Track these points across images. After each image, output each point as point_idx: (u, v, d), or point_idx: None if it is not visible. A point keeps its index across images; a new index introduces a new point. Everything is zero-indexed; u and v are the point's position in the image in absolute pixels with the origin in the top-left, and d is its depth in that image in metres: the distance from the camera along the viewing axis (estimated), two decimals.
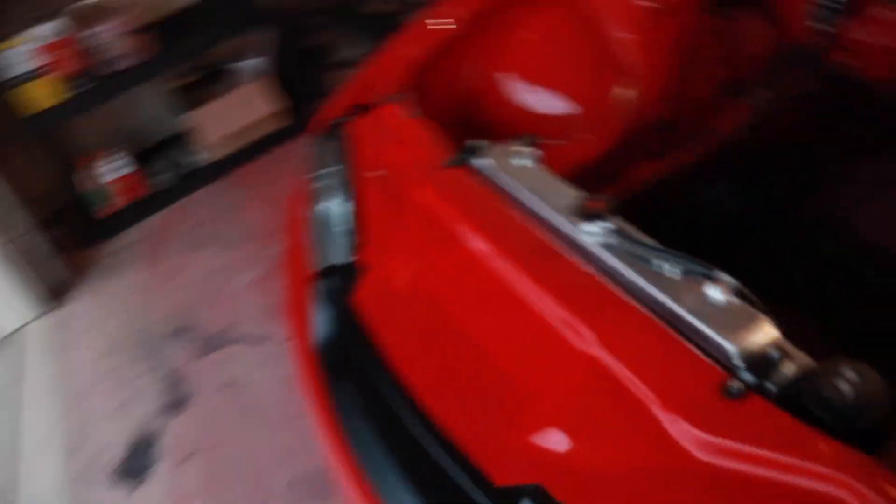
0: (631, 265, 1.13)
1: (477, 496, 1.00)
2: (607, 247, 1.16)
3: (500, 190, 1.38)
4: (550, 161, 1.45)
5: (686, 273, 1.09)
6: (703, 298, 1.05)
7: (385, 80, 1.88)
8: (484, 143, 1.50)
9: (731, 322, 1.00)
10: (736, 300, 1.04)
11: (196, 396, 2.41)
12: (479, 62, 1.99)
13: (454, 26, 1.95)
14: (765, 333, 0.97)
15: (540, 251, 1.22)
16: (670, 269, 1.10)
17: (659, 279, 1.09)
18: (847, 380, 0.84)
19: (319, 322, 1.41)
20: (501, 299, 1.20)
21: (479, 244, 1.27)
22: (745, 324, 0.99)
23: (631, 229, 1.18)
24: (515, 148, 1.46)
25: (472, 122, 2.00)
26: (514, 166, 1.40)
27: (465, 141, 1.53)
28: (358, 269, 1.43)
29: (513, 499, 0.97)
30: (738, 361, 0.95)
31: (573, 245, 1.21)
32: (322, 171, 1.72)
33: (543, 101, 2.00)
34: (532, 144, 1.48)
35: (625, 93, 1.90)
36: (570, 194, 1.29)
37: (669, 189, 1.99)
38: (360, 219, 1.53)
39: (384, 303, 1.35)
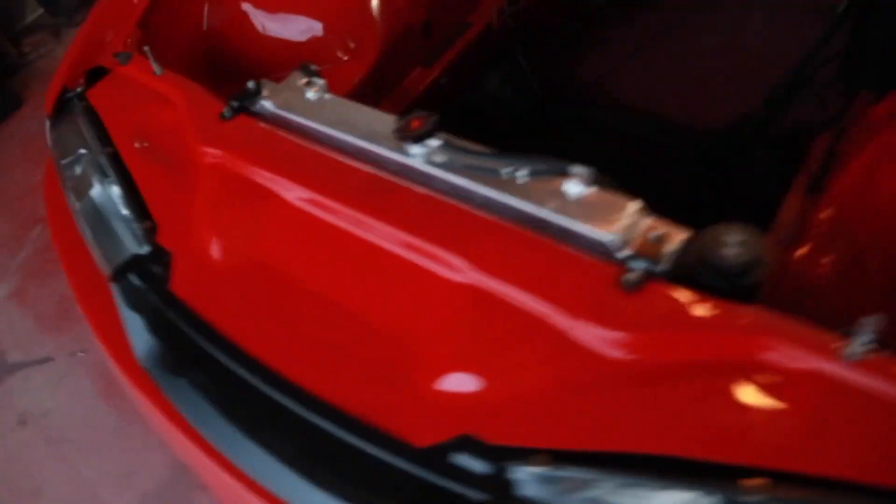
0: (476, 179, 1.07)
1: (402, 464, 0.93)
2: (444, 166, 1.10)
3: (300, 130, 1.26)
4: None
5: (535, 174, 1.05)
6: (564, 195, 1.01)
7: (113, 36, 1.62)
8: (260, 83, 1.36)
9: (600, 213, 0.97)
10: (594, 189, 1.01)
11: None
12: None
13: None
14: (637, 215, 0.96)
15: (371, 187, 1.14)
16: (518, 173, 1.06)
17: (511, 186, 1.05)
18: (731, 243, 0.86)
19: (135, 327, 1.23)
20: (347, 249, 1.11)
21: (299, 195, 1.16)
22: (614, 211, 0.96)
23: (462, 142, 1.13)
24: (300, 82, 1.33)
25: (221, 68, 1.81)
26: (308, 101, 1.29)
27: (236, 86, 1.37)
28: (159, 257, 1.25)
29: (442, 456, 0.92)
30: (623, 251, 0.94)
31: (406, 172, 1.13)
32: (73, 156, 1.47)
33: (296, 26, 1.86)
34: (312, 74, 1.36)
35: None
36: (382, 119, 1.21)
37: (445, 93, 1.97)
38: (138, 200, 1.33)
39: (209, 287, 1.20)
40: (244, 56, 1.84)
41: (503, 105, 2.07)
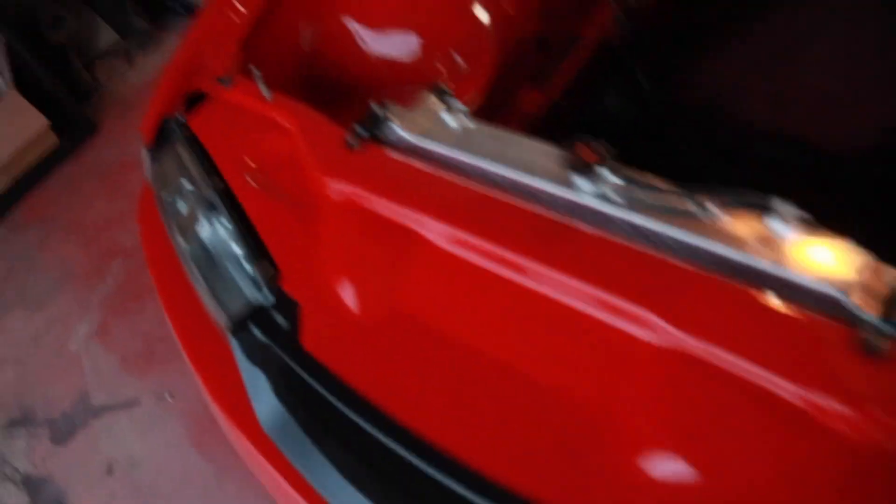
0: (662, 218, 0.90)
1: None
2: (622, 203, 0.93)
3: (442, 161, 1.10)
4: None
5: (730, 210, 0.89)
6: (771, 238, 0.85)
7: (213, 58, 1.50)
8: (386, 106, 1.20)
9: (818, 258, 0.81)
10: (804, 229, 0.84)
11: (72, 495, 1.94)
12: (317, 13, 1.65)
13: None
14: (863, 261, 0.80)
15: (537, 228, 0.97)
16: (713, 211, 0.89)
17: (706, 227, 0.88)
18: None
19: (259, 387, 1.08)
20: (512, 301, 0.95)
21: (450, 236, 1.00)
22: (835, 256, 0.81)
23: (641, 174, 0.96)
24: (434, 105, 1.18)
25: (323, 90, 1.67)
26: (449, 128, 1.13)
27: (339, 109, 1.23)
28: (285, 307, 1.10)
29: None
30: (857, 307, 0.76)
31: (576, 211, 0.96)
32: (177, 190, 1.34)
33: (403, 44, 1.71)
34: (446, 95, 1.21)
35: (492, 11, 1.66)
36: (542, 149, 1.04)
37: (563, 112, 1.80)
38: (256, 242, 1.18)
39: (346, 343, 1.04)
40: (346, 76, 1.70)
41: (623, 124, 1.90)
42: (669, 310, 0.83)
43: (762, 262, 0.83)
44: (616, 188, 0.95)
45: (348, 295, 1.08)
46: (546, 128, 1.79)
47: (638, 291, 0.87)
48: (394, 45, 1.71)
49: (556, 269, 0.91)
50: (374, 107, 1.19)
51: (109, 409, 2.08)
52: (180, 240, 1.28)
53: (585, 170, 0.95)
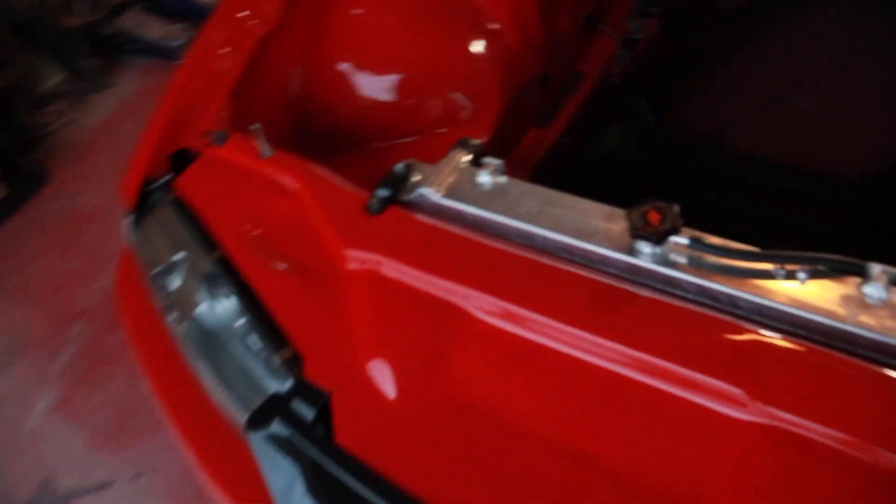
0: (738, 284, 0.82)
1: None
2: (692, 267, 0.85)
3: (477, 225, 0.99)
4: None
5: (817, 275, 0.81)
6: (864, 302, 0.79)
7: (200, 112, 1.35)
8: (411, 164, 1.08)
9: None
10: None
11: None
12: (309, 57, 1.52)
13: (258, 24, 1.45)
14: None
15: (597, 297, 0.87)
16: (794, 275, 0.81)
17: (789, 292, 0.81)
18: None
19: (289, 490, 0.93)
20: (580, 382, 0.84)
21: (497, 310, 0.89)
22: None
23: (713, 238, 0.87)
24: (463, 161, 1.06)
25: (317, 138, 1.54)
26: (483, 188, 1.01)
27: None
28: (312, 397, 0.95)
29: None
30: None
31: (638, 276, 0.88)
32: (167, 263, 1.18)
33: (404, 88, 1.58)
34: (477, 151, 1.10)
35: (494, 48, 1.56)
36: (593, 209, 0.94)
37: (566, 151, 1.71)
38: (268, 321, 1.04)
39: (387, 436, 0.90)
40: (341, 122, 1.57)
41: (628, 160, 1.82)
42: (755, 383, 0.76)
43: (853, 327, 0.77)
44: (685, 252, 0.86)
45: (383, 379, 0.95)
46: (549, 168, 1.70)
47: (713, 363, 0.78)
48: (391, 88, 1.59)
49: (619, 341, 0.82)
50: (398, 167, 1.07)
51: (79, 495, 1.87)
52: (175, 320, 1.13)
53: (657, 234, 0.85)
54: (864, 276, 0.80)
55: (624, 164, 1.80)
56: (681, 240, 0.86)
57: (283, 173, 1.16)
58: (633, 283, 0.87)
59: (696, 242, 0.85)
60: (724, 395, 0.76)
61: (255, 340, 1.03)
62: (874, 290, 0.78)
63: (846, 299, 0.80)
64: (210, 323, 1.09)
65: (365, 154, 1.60)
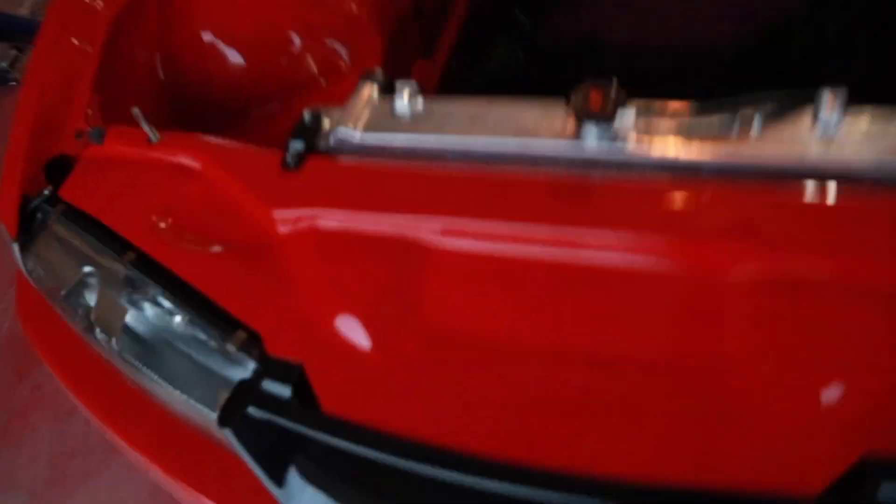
0: (703, 146, 0.81)
1: None
2: (654, 140, 0.83)
3: (414, 154, 0.94)
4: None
5: (770, 117, 0.81)
6: (825, 131, 0.78)
7: (64, 115, 1.21)
8: (318, 111, 1.01)
9: (880, 134, 0.76)
10: (851, 110, 0.78)
11: None
12: (169, 34, 1.40)
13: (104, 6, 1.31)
14: None
15: (565, 193, 0.84)
16: (750, 122, 0.81)
17: (754, 142, 0.80)
18: None
19: (290, 481, 0.85)
20: (565, 282, 0.81)
21: (463, 229, 0.85)
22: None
23: (657, 103, 0.85)
24: (372, 93, 1.00)
25: (197, 116, 1.42)
26: (407, 115, 0.95)
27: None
28: (284, 373, 0.88)
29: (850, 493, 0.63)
30: None
31: (603, 163, 0.84)
32: (76, 281, 1.07)
33: (277, 47, 1.49)
34: (380, 80, 1.03)
35: None
36: (530, 108, 0.90)
37: (458, 77, 1.66)
38: (212, 308, 0.95)
39: (379, 390, 0.85)
40: (219, 97, 1.46)
41: (520, 73, 1.79)
42: (763, 237, 0.74)
43: (823, 158, 0.77)
44: (638, 125, 0.84)
45: (354, 334, 0.89)
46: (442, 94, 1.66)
47: (716, 228, 0.77)
48: (261, 47, 1.49)
49: (610, 227, 0.78)
50: (305, 114, 1.00)
51: None
52: (103, 338, 1.02)
53: (606, 115, 0.82)
54: (815, 104, 0.78)
55: (516, 78, 1.78)
56: (629, 112, 0.83)
57: (181, 153, 1.06)
58: (592, 169, 0.84)
59: (645, 111, 0.83)
60: (730, 257, 0.74)
61: (200, 333, 0.94)
62: (829, 116, 0.77)
63: (806, 133, 0.79)
64: (144, 330, 0.99)
65: (251, 125, 1.50)
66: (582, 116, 0.82)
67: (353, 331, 0.88)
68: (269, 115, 1.49)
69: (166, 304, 0.97)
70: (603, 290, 0.80)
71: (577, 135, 0.85)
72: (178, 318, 0.96)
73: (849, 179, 0.77)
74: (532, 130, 0.88)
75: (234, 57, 1.47)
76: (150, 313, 0.98)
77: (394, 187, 0.92)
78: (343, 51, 1.50)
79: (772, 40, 1.72)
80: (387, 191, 0.92)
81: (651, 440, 0.73)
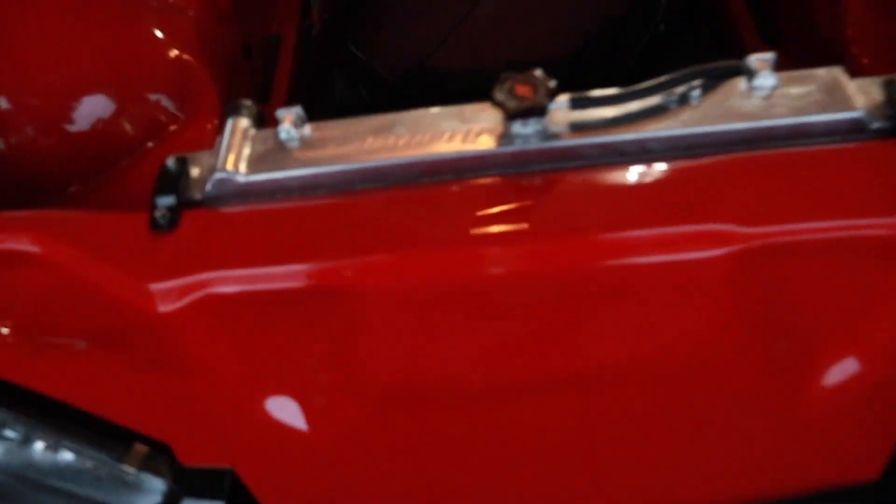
0: (645, 129, 0.76)
1: None
2: (591, 131, 0.76)
3: (314, 187, 0.80)
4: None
5: (706, 90, 0.77)
6: (763, 94, 0.77)
7: None
8: (183, 158, 0.84)
9: (816, 93, 0.75)
10: (784, 73, 0.78)
11: None
12: None
13: None
14: (846, 78, 0.76)
15: (507, 201, 0.74)
16: (687, 98, 0.77)
17: (694, 116, 0.76)
18: None
19: None
20: (527, 300, 0.71)
21: (396, 264, 0.73)
22: (824, 83, 0.76)
23: (588, 93, 0.78)
24: (247, 127, 0.85)
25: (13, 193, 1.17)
26: (296, 145, 0.81)
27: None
28: (210, 480, 0.68)
29: None
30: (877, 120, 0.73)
31: (541, 163, 0.76)
32: None
33: (87, 106, 1.26)
34: (252, 111, 0.88)
35: (181, 26, 1.32)
36: (442, 115, 0.80)
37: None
38: (87, 424, 0.73)
39: (329, 475, 0.68)
40: (33, 174, 1.21)
41: (362, 106, 1.69)
42: (727, 210, 0.70)
43: (768, 122, 0.75)
44: (570, 116, 0.76)
45: (288, 417, 0.72)
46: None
47: (683, 209, 0.70)
48: (71, 114, 1.25)
49: (572, 232, 0.70)
50: (169, 163, 0.82)
51: None
52: None
53: (537, 109, 0.73)
54: (747, 72, 0.77)
55: (363, 113, 1.68)
56: (561, 104, 0.75)
57: (10, 238, 0.83)
58: (530, 169, 0.75)
59: (578, 101, 0.75)
60: (706, 237, 0.69)
61: (83, 461, 0.72)
62: (763, 80, 0.76)
63: (743, 99, 0.77)
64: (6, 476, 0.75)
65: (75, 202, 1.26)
66: (513, 113, 0.73)
67: (284, 411, 0.72)
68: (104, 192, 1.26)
69: (23, 432, 0.74)
70: (574, 301, 0.71)
71: (507, 133, 0.76)
72: (43, 449, 0.73)
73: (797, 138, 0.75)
74: (453, 136, 0.77)
75: (36, 127, 1.23)
76: (8, 452, 0.74)
77: (299, 230, 0.77)
78: (172, 103, 1.31)
79: (606, 41, 1.75)
80: (291, 236, 0.77)
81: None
